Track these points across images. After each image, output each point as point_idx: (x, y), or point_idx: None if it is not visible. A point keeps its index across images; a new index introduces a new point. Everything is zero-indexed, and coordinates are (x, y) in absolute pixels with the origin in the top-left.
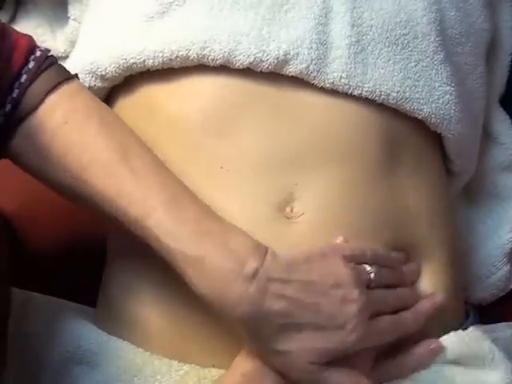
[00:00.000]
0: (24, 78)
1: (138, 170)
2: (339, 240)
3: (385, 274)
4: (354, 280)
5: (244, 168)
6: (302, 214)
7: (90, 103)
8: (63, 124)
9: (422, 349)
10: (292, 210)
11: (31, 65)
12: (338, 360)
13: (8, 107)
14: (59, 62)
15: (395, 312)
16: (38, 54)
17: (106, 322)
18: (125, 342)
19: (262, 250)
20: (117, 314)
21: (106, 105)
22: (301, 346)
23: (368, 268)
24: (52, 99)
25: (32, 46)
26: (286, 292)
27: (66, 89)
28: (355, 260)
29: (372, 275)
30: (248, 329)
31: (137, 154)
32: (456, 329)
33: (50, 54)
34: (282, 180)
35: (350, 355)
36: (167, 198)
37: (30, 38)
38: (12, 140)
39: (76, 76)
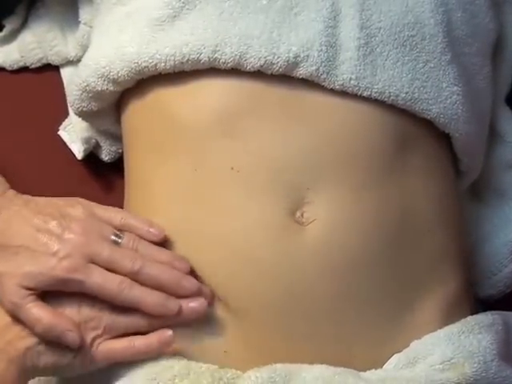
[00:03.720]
0: None
1: None
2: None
3: (140, 246)
4: (81, 221)
5: (255, 169)
6: (314, 219)
7: None
8: None
9: (152, 337)
10: (302, 215)
11: None
12: (49, 300)
13: None
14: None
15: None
16: None
17: None
18: None
19: (5, 185)
20: None
21: None
22: (12, 268)
23: (111, 229)
24: None
25: None
26: (13, 217)
27: None
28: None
29: (114, 237)
30: None
31: None
32: None
33: None
34: (293, 182)
35: (62, 297)
36: None
37: None
38: None
39: None
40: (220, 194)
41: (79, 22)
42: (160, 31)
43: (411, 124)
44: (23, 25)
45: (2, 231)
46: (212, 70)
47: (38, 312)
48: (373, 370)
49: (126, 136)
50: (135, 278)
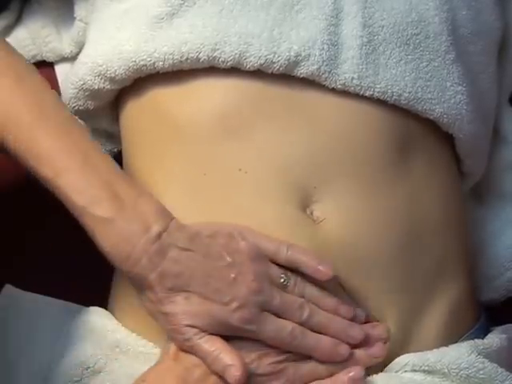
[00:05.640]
0: None
1: (51, 132)
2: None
3: (308, 292)
4: (252, 264)
5: (262, 169)
6: (324, 218)
7: (6, 59)
8: None
9: (341, 378)
10: (312, 213)
11: None
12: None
13: None
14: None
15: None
16: None
17: (122, 318)
18: (146, 342)
19: (168, 217)
20: (134, 310)
21: (23, 58)
22: (185, 310)
23: (279, 271)
24: None
25: None
26: (181, 258)
27: None
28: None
29: (282, 280)
30: (142, 288)
31: (50, 115)
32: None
33: None
34: (299, 181)
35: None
36: (78, 159)
37: None
38: None
39: None
40: (231, 196)
41: (74, 18)
42: (158, 29)
43: (414, 124)
44: (17, 21)
45: (172, 273)
46: (211, 69)
47: (210, 345)
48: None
49: (124, 136)
50: (303, 325)
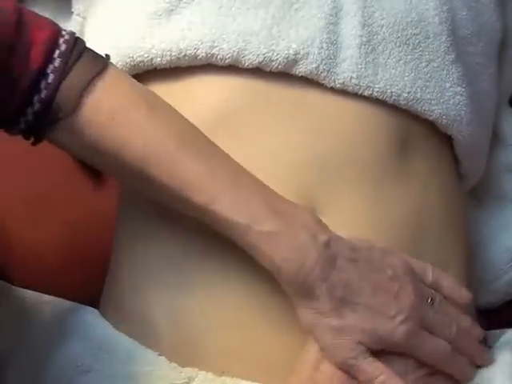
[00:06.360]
0: (51, 77)
1: (198, 155)
2: None
3: (450, 310)
4: (410, 278)
5: (260, 169)
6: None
7: (134, 91)
8: (111, 120)
9: None
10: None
11: (57, 63)
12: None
13: (37, 106)
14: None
15: None
16: (63, 47)
17: (113, 318)
18: (135, 342)
19: (327, 227)
20: (126, 312)
21: (148, 89)
22: (354, 324)
23: (429, 289)
24: (93, 96)
25: (53, 39)
26: (349, 268)
27: (104, 81)
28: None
29: (430, 298)
30: (308, 299)
31: (191, 140)
32: None
33: (75, 39)
34: (298, 182)
35: (393, 358)
36: (230, 180)
37: (51, 28)
38: (51, 133)
39: (108, 59)
40: None
41: (72, 12)
42: (156, 25)
43: (413, 125)
44: None
45: (341, 283)
46: (209, 67)
47: (376, 368)
48: None
49: None
50: (451, 343)
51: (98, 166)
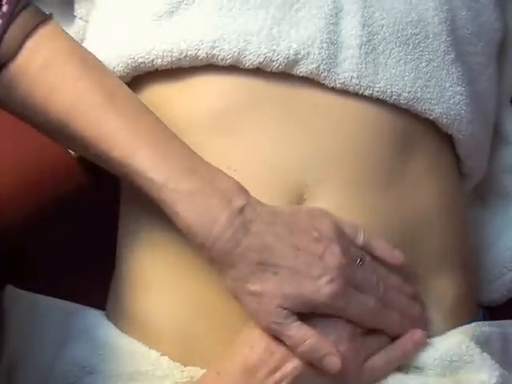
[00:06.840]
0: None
1: (124, 113)
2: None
3: (378, 270)
4: (338, 240)
5: (252, 168)
6: None
7: (70, 46)
8: (44, 69)
9: (405, 340)
10: None
11: (4, 8)
12: (311, 320)
13: None
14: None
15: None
16: None
17: (118, 319)
18: (138, 343)
19: (248, 192)
20: (128, 312)
21: (86, 48)
22: (273, 289)
23: (358, 250)
24: (30, 44)
25: None
26: (267, 232)
27: (44, 31)
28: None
29: (359, 259)
30: (225, 265)
31: (122, 97)
32: None
33: None
34: (292, 180)
35: (324, 319)
36: (153, 138)
37: None
38: None
39: (51, 16)
40: None
41: (74, 16)
42: (157, 27)
43: (413, 124)
44: None
45: (258, 247)
46: (210, 67)
47: (303, 332)
48: None
49: None
50: (380, 300)
51: (26, 120)
